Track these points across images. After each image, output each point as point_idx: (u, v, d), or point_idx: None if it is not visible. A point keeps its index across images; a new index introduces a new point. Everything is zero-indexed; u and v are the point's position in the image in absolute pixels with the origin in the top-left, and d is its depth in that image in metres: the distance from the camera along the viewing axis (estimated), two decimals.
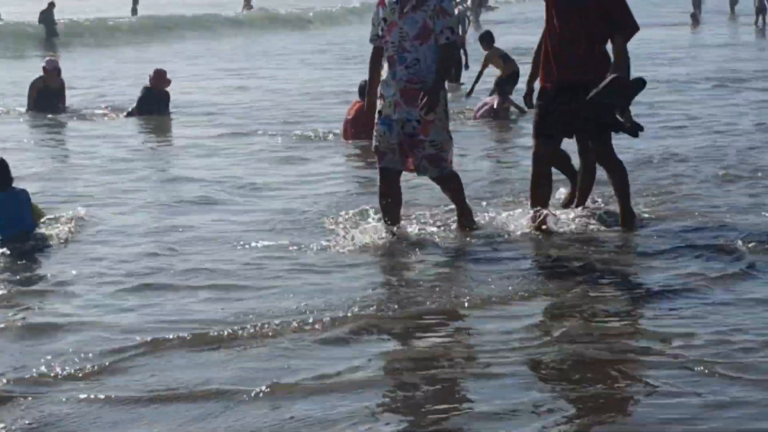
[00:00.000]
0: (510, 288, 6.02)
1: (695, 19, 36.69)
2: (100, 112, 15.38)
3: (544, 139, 7.44)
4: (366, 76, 7.65)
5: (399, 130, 7.22)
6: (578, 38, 7.23)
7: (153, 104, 14.71)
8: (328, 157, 11.13)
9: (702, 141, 11.61)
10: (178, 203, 8.70)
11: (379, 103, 7.34)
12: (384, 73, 7.30)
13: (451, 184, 7.44)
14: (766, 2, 35.50)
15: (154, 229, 7.69)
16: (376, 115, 7.33)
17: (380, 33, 7.33)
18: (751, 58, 23.35)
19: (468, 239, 7.19)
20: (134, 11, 41.60)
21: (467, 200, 7.56)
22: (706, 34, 32.33)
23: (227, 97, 17.37)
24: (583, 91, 7.12)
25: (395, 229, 7.27)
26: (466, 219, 7.49)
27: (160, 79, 14.93)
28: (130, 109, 14.92)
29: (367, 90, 7.54)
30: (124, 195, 9.06)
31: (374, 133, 7.36)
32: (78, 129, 13.96)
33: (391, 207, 7.36)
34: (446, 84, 7.50)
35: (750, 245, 6.82)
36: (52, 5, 34.01)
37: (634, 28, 7.30)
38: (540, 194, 7.49)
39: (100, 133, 13.27)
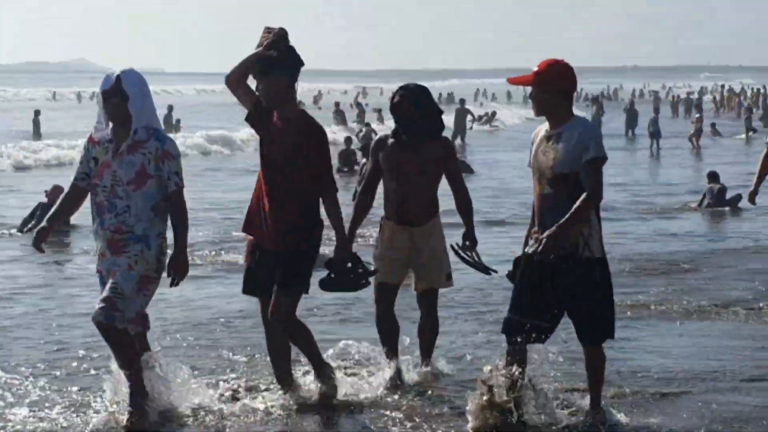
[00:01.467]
0: None
1: None
2: None
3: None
4: None
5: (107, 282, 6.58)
6: None
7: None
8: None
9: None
10: None
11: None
12: (93, 222, 6.64)
13: (117, 339, 6.51)
14: (660, 127, 36.24)
15: None
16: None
17: (89, 173, 6.65)
18: None
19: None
20: None
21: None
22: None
23: None
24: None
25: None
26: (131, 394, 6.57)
27: (58, 194, 15.04)
28: (29, 225, 15.36)
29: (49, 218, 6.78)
30: None
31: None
32: None
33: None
34: (163, 233, 6.69)
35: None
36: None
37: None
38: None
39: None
